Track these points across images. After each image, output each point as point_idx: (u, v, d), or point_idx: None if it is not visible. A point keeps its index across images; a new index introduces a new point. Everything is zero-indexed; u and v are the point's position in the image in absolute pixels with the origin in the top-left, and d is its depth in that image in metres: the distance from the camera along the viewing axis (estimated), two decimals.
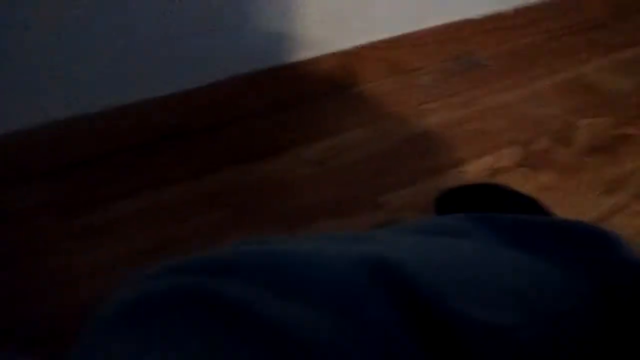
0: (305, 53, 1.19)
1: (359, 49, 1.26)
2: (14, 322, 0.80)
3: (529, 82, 1.34)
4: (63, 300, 0.83)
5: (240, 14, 1.07)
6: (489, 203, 0.88)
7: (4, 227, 0.94)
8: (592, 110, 1.23)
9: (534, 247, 0.44)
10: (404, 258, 0.36)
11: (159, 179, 1.00)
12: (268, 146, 1.09)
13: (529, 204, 0.86)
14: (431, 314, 0.32)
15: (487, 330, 0.33)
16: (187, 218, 0.96)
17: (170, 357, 0.28)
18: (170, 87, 1.05)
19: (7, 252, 0.90)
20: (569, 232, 0.47)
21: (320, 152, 1.09)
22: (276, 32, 1.14)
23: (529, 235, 0.46)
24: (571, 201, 1.01)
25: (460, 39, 1.40)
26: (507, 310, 0.35)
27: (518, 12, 1.44)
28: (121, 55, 0.99)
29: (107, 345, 0.30)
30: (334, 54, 1.23)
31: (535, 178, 1.05)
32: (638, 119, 1.21)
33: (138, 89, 1.02)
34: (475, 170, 1.06)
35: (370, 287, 0.33)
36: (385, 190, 1.01)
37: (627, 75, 1.39)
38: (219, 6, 1.03)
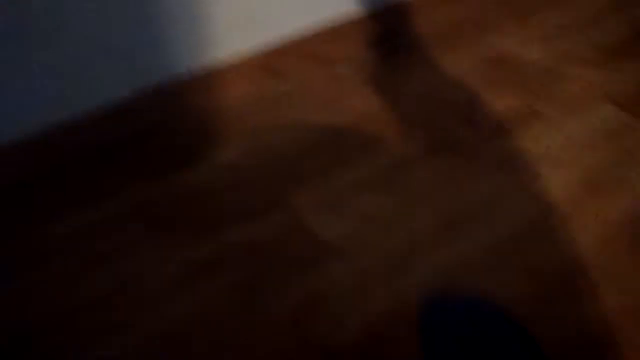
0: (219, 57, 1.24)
1: (279, 47, 1.31)
2: None
3: (446, 63, 1.39)
4: None
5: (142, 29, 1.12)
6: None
7: None
8: (506, 87, 1.28)
9: None
10: None
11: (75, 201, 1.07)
12: (182, 156, 1.15)
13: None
14: None
15: None
16: (106, 236, 1.02)
17: None
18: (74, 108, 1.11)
19: None
20: None
21: (238, 155, 1.15)
22: (190, 39, 1.19)
23: None
24: (470, 181, 1.06)
25: (382, 24, 1.44)
26: None
27: None
28: None
29: None
30: (252, 56, 1.28)
31: (437, 163, 1.10)
32: (548, 96, 1.25)
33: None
34: (380, 162, 1.12)
35: None
36: (294, 191, 1.07)
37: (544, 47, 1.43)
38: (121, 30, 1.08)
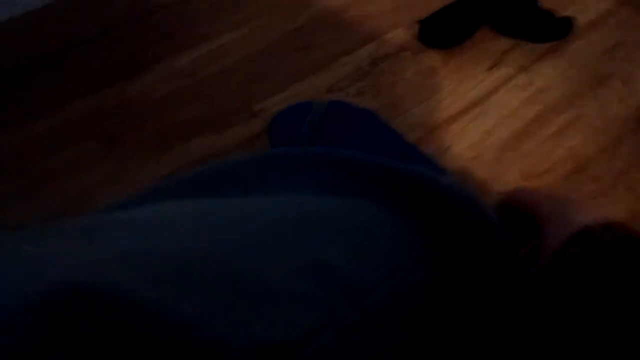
0: None
1: None
2: None
3: None
4: None
5: None
6: None
7: None
8: None
9: (363, 192, 0.39)
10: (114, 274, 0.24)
11: (22, 114, 0.93)
12: (134, 62, 1.02)
13: None
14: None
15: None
16: (55, 152, 0.90)
17: None
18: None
19: None
20: (402, 177, 0.44)
21: (191, 61, 1.02)
22: None
23: (359, 179, 0.41)
24: (454, 79, 0.97)
25: None
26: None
27: None
28: None
29: None
30: None
31: (418, 61, 1.00)
32: None
33: None
34: (356, 60, 1.01)
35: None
36: (260, 97, 0.95)
37: None
38: None
